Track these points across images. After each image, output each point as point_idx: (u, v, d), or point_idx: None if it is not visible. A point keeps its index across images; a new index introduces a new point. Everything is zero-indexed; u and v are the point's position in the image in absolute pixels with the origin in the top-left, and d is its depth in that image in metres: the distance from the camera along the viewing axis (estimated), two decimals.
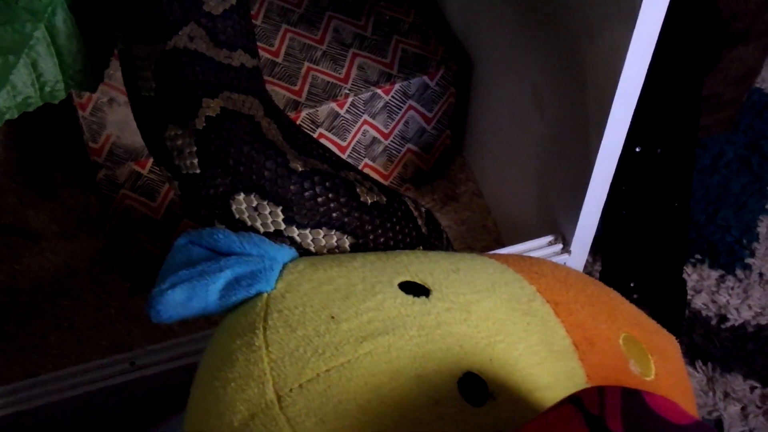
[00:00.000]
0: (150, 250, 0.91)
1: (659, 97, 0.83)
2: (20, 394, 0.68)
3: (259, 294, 0.51)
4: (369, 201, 0.58)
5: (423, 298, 0.50)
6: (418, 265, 0.53)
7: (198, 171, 0.55)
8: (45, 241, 0.97)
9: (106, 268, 0.95)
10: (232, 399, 0.46)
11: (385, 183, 1.00)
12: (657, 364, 0.55)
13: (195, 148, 0.55)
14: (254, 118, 0.56)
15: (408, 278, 0.51)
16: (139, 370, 0.70)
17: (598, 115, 0.67)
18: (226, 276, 0.51)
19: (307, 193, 0.56)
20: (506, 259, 0.57)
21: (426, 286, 0.51)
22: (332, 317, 0.48)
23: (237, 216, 0.55)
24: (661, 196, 0.88)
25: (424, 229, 0.63)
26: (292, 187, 0.55)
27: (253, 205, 0.55)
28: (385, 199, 0.59)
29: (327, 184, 0.56)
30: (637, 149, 0.85)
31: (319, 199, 0.56)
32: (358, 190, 0.58)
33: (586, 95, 0.69)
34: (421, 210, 0.64)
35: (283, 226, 0.55)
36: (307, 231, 0.56)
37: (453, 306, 0.49)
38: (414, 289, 0.51)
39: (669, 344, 0.58)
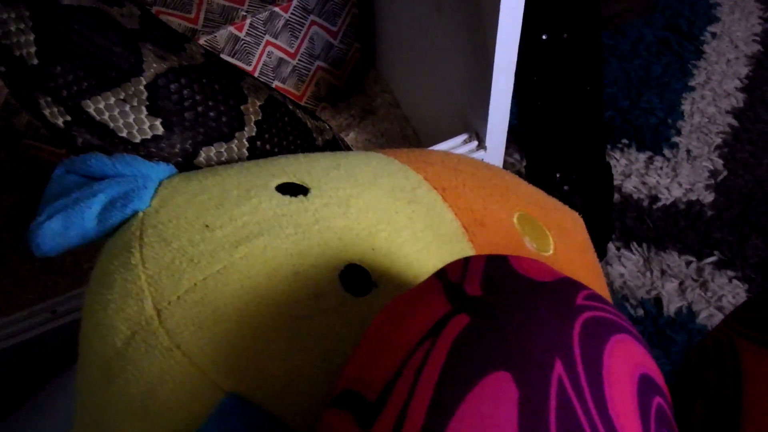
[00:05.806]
0: None
1: None
2: None
3: (134, 213, 0.49)
4: (321, 143, 0.62)
5: (300, 197, 0.48)
6: (296, 166, 0.51)
7: None
8: None
9: (24, 221, 0.93)
10: (112, 320, 0.45)
11: (300, 104, 0.98)
12: (555, 239, 0.54)
13: (247, 155, 0.57)
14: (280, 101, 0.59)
15: (285, 180, 0.50)
16: (61, 317, 0.69)
17: (491, 2, 0.66)
18: (100, 200, 0.50)
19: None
20: (395, 153, 0.56)
21: (304, 185, 0.50)
22: (206, 226, 0.46)
23: None
24: (572, 82, 0.87)
25: None
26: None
27: None
28: (330, 138, 0.65)
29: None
30: (544, 37, 0.84)
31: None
32: (314, 135, 0.62)
33: None
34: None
35: None
36: None
37: (331, 201, 0.48)
38: (292, 189, 0.50)
39: (569, 219, 0.58)
